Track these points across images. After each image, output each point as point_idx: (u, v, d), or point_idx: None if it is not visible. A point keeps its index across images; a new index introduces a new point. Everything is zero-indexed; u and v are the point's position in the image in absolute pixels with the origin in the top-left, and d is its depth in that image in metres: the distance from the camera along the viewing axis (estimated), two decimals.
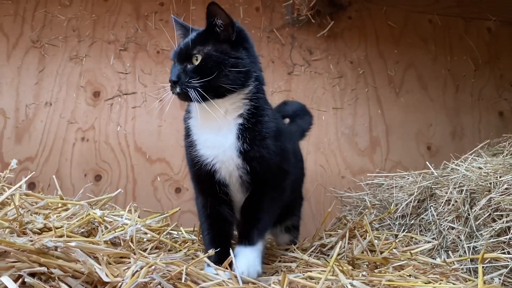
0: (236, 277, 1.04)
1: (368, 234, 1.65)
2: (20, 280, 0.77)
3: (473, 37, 2.94)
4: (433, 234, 1.72)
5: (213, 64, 1.19)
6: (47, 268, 0.82)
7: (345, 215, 2.39)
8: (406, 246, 1.67)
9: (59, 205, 1.32)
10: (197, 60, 1.20)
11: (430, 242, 1.61)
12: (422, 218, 1.81)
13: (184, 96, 1.21)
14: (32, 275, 0.83)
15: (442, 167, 1.90)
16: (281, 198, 1.34)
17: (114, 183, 2.38)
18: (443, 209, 1.67)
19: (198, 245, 1.26)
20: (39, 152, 2.36)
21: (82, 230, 1.10)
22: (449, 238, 1.63)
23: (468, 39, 2.92)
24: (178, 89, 1.19)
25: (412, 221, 1.86)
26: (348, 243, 1.69)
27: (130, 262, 0.99)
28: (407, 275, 1.23)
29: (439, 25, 2.91)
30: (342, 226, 2.28)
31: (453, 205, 1.63)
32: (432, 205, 1.75)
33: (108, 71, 2.50)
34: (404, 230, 1.87)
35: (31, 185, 2.27)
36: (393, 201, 1.96)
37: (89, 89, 2.47)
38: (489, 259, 1.41)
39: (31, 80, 2.42)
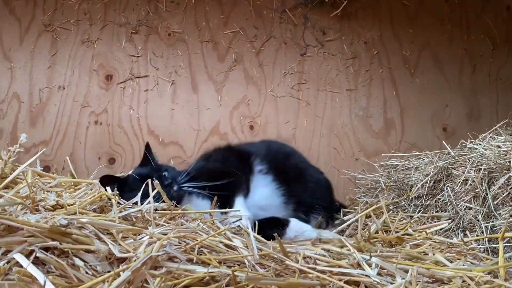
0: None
1: (383, 214, 1.63)
2: (33, 255, 0.77)
3: (491, 15, 2.85)
4: (450, 215, 1.70)
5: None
6: (60, 243, 0.82)
7: (358, 197, 2.38)
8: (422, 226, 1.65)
9: (72, 185, 1.32)
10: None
11: (446, 221, 1.58)
12: (438, 198, 1.78)
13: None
14: (46, 250, 0.83)
15: (459, 146, 1.86)
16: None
17: (128, 166, 2.39)
18: (460, 189, 1.64)
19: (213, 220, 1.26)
20: (53, 135, 2.38)
21: (94, 207, 1.10)
22: (466, 218, 1.60)
23: (485, 18, 2.84)
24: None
25: (428, 202, 1.83)
26: (364, 224, 1.67)
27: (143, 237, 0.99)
28: (424, 253, 1.20)
29: (455, 4, 2.83)
30: (353, 208, 2.26)
31: (470, 184, 1.60)
32: (448, 185, 1.72)
33: (120, 55, 2.49)
34: (419, 211, 1.85)
35: (45, 169, 2.28)
36: (408, 182, 1.93)
37: (102, 72, 2.47)
38: (508, 238, 1.38)
39: (44, 64, 2.43)
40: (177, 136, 2.48)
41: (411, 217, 1.81)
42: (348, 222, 1.84)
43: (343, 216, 2.12)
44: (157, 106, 2.48)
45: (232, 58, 2.58)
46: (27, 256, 0.78)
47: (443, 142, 1.92)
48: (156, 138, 2.45)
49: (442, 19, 2.82)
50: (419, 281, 0.92)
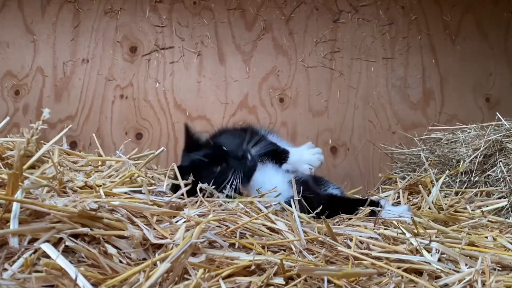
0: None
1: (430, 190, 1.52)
2: (62, 243, 0.69)
3: None
4: (502, 192, 1.57)
5: None
6: (91, 229, 0.74)
7: (395, 172, 2.25)
8: (471, 204, 1.53)
9: (100, 164, 1.24)
10: None
11: (504, 200, 1.45)
12: (489, 175, 1.65)
13: None
14: (74, 237, 0.75)
15: None
16: None
17: (155, 141, 2.32)
18: None
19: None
20: (78, 110, 2.31)
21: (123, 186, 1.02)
22: None
23: None
24: None
25: (476, 178, 1.70)
26: (408, 199, 1.56)
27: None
28: (484, 236, 1.09)
29: None
30: (394, 183, 2.15)
31: None
32: (501, 161, 1.59)
33: (144, 25, 2.38)
34: (466, 188, 1.72)
35: (72, 144, 2.24)
36: (454, 156, 1.80)
37: (126, 44, 2.37)
38: None
39: (67, 37, 2.35)
40: (204, 109, 2.39)
41: (457, 193, 1.69)
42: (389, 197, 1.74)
43: (381, 192, 2.01)
44: (184, 79, 2.38)
45: (261, 26, 2.44)
46: (56, 244, 0.70)
47: (497, 114, 1.76)
48: (183, 112, 2.36)
49: None
50: (493, 272, 0.81)
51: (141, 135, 2.32)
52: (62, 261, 0.63)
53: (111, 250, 0.75)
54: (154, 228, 0.84)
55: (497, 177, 1.60)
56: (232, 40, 2.43)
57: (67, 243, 0.69)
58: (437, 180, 1.59)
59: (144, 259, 0.79)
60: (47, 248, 0.66)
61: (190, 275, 0.73)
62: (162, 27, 2.39)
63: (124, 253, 0.78)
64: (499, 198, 1.56)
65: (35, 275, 0.62)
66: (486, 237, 1.10)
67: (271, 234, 0.94)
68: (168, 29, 2.39)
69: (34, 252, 0.67)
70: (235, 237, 0.91)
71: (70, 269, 0.62)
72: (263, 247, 0.88)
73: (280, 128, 2.42)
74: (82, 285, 0.61)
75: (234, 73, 2.42)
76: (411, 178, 1.77)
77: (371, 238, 0.97)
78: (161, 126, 2.33)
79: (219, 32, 2.42)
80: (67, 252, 0.72)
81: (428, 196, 1.48)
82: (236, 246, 0.87)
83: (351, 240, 0.95)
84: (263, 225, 0.96)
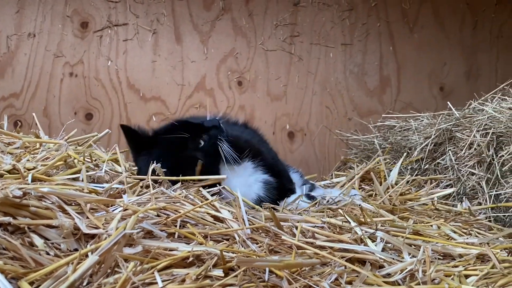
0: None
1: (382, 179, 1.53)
2: None
3: None
4: (450, 180, 1.60)
5: None
6: (14, 218, 0.69)
7: (351, 158, 2.28)
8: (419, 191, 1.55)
9: (37, 147, 1.16)
10: None
11: (451, 189, 1.48)
12: (438, 163, 1.68)
13: None
14: None
15: (465, 107, 1.73)
16: None
17: (106, 122, 2.22)
18: (464, 153, 1.53)
19: (198, 188, 1.11)
20: (24, 88, 2.18)
21: (61, 172, 0.95)
22: (468, 184, 1.51)
23: None
24: None
25: (426, 166, 1.73)
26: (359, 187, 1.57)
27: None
28: (430, 225, 1.10)
29: None
30: (347, 170, 2.17)
31: (475, 149, 1.49)
32: (450, 149, 1.61)
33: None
34: (417, 175, 1.75)
35: (15, 124, 2.11)
36: (406, 144, 1.82)
37: (76, 19, 2.24)
38: None
39: (11, 8, 2.19)
40: (159, 90, 2.31)
41: (408, 182, 1.71)
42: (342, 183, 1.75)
43: (334, 178, 2.02)
44: (138, 58, 2.29)
45: (220, 6, 2.37)
46: None
47: (448, 102, 1.78)
48: (136, 93, 2.27)
49: None
50: (434, 261, 0.82)
51: (91, 115, 2.22)
52: None
53: (37, 241, 0.69)
54: (88, 217, 0.78)
55: (446, 165, 1.63)
56: (189, 19, 2.35)
57: None
58: (390, 168, 1.60)
59: (76, 250, 0.74)
60: None
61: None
62: (116, 2, 2.27)
63: (53, 243, 0.73)
64: (447, 186, 1.60)
65: None
66: (432, 226, 1.11)
67: (215, 223, 0.91)
68: (122, 4, 2.28)
69: None
70: (178, 227, 0.87)
71: None
72: (205, 237, 0.85)
73: (238, 112, 2.38)
74: None
75: (191, 53, 2.35)
76: (365, 165, 1.77)
77: (317, 226, 0.96)
78: (112, 106, 2.24)
79: (176, 10, 2.33)
80: None
81: (381, 184, 1.49)
82: (177, 236, 0.83)
83: (297, 228, 0.93)
84: (207, 213, 0.93)
